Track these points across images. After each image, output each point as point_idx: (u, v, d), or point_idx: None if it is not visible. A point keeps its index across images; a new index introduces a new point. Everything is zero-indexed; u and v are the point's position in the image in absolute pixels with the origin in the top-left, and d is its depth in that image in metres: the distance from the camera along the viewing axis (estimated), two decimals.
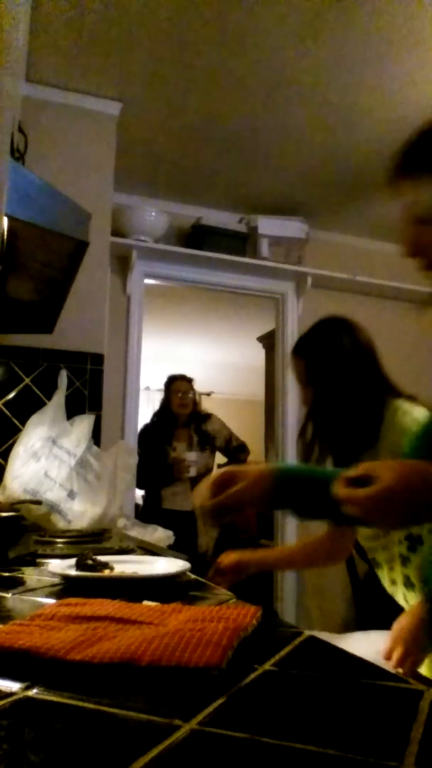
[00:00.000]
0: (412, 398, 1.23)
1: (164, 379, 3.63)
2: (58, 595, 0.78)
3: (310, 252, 3.25)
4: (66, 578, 0.85)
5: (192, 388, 3.54)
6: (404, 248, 0.81)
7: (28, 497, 1.63)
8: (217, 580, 0.92)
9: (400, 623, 1.01)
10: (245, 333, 4.92)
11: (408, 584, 1.13)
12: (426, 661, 0.91)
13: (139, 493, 3.32)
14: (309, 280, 3.22)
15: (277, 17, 2.03)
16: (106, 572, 0.85)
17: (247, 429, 4.09)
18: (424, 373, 3.02)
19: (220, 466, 3.72)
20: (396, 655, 0.98)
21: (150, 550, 1.24)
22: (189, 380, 3.55)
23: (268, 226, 3.11)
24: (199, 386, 3.69)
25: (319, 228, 3.34)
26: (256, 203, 3.17)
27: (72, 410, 1.97)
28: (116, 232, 2.82)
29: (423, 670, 0.92)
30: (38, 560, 1.07)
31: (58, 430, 1.82)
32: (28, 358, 2.19)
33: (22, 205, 1.22)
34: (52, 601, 0.71)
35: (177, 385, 3.50)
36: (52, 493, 1.68)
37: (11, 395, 2.14)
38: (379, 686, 0.45)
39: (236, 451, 3.57)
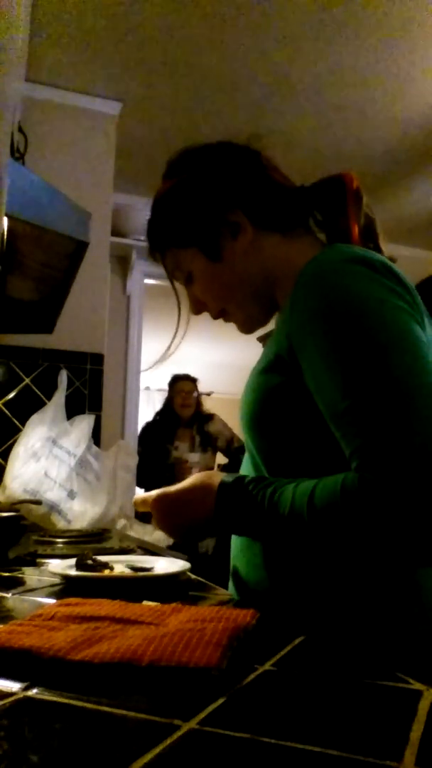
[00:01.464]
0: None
1: (166, 379, 3.63)
2: (58, 595, 0.78)
3: None
4: (66, 578, 0.85)
5: (196, 389, 3.55)
6: (190, 308, 0.93)
7: (28, 497, 1.63)
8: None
9: (181, 488, 0.82)
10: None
11: None
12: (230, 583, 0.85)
13: (139, 492, 3.32)
14: None
15: (278, 18, 2.03)
16: (106, 572, 0.85)
17: None
18: None
19: (221, 465, 3.72)
20: (142, 509, 0.85)
21: (150, 550, 1.24)
22: (193, 380, 3.56)
23: None
24: (199, 386, 3.69)
25: None
26: None
27: (72, 410, 1.97)
28: (116, 232, 2.83)
29: (230, 589, 0.85)
30: (38, 560, 1.07)
31: (58, 430, 1.82)
32: (28, 358, 2.19)
33: (22, 205, 1.22)
34: (52, 601, 0.71)
35: (180, 385, 3.50)
36: (52, 493, 1.68)
37: (11, 395, 2.14)
38: (379, 686, 0.45)
39: (237, 452, 3.57)
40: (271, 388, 0.76)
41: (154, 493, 0.84)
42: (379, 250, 0.84)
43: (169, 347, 0.93)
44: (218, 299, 0.89)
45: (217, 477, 0.77)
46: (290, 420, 0.74)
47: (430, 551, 0.60)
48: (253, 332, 0.93)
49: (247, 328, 0.92)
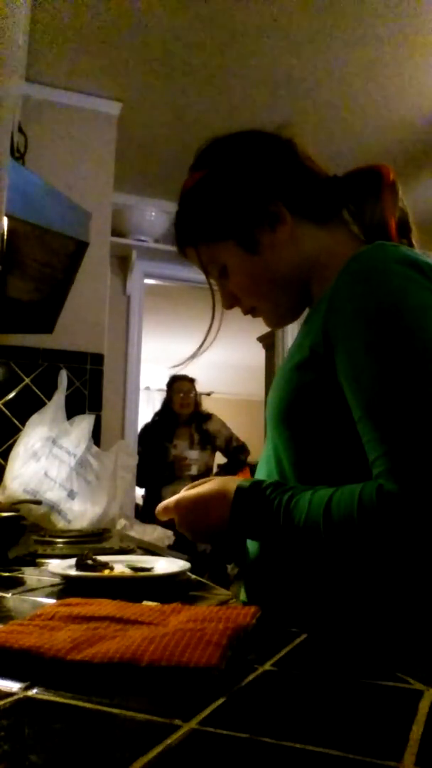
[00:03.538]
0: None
1: (165, 379, 3.65)
2: (58, 595, 0.78)
3: None
4: (66, 578, 0.85)
5: (194, 389, 3.59)
6: (223, 303, 0.89)
7: (28, 497, 1.63)
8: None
9: (197, 493, 0.79)
10: (245, 333, 4.93)
11: None
12: (242, 588, 0.84)
13: (139, 492, 3.33)
14: None
15: (278, 18, 2.03)
16: (106, 572, 0.85)
17: (247, 429, 4.10)
18: None
19: (220, 465, 3.73)
20: (165, 517, 0.83)
21: (150, 550, 1.24)
22: (191, 380, 3.59)
23: None
24: (199, 386, 3.70)
25: None
26: None
27: (72, 410, 1.97)
28: (116, 232, 2.82)
29: (241, 595, 0.84)
30: (38, 560, 1.07)
31: (58, 430, 1.82)
32: (28, 358, 2.19)
33: (22, 205, 1.22)
34: (52, 601, 0.71)
35: (179, 385, 3.54)
36: (52, 493, 1.68)
37: (11, 395, 2.14)
38: (379, 686, 0.45)
39: (236, 451, 3.59)
40: (303, 386, 0.73)
41: (173, 498, 0.82)
42: (411, 245, 0.82)
43: (202, 343, 0.91)
44: (253, 293, 0.86)
45: (234, 482, 0.75)
46: (322, 420, 0.72)
47: None
48: (282, 327, 0.92)
49: (276, 322, 0.90)
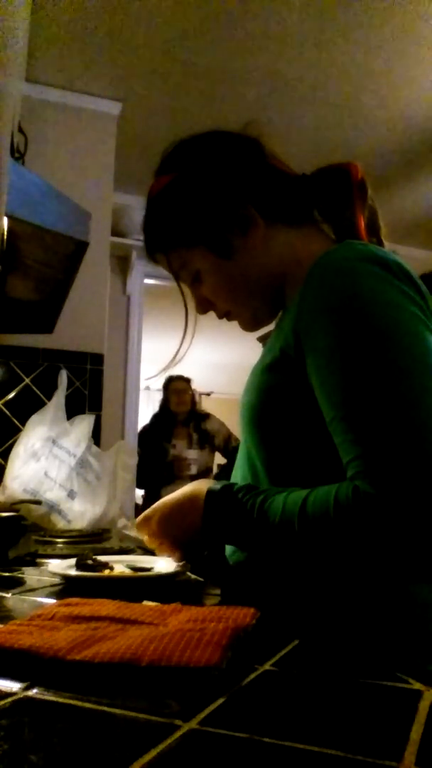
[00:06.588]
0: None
1: (163, 380, 3.65)
2: (58, 595, 0.78)
3: None
4: (66, 578, 0.85)
5: (190, 388, 3.59)
6: (196, 308, 0.89)
7: (28, 497, 1.63)
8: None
9: (171, 500, 0.80)
10: (245, 333, 4.93)
11: None
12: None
13: (139, 493, 3.33)
14: None
15: (278, 17, 2.03)
16: (106, 572, 0.85)
17: None
18: None
19: (219, 465, 3.73)
20: (145, 532, 0.85)
21: (150, 550, 1.24)
22: (187, 380, 3.59)
23: None
24: (199, 386, 3.70)
25: None
26: None
27: (72, 410, 1.97)
28: (116, 232, 2.82)
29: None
30: (38, 560, 1.07)
31: (58, 430, 1.82)
32: (28, 358, 2.19)
33: (22, 205, 1.22)
34: (52, 601, 0.71)
35: (175, 385, 3.55)
36: (52, 493, 1.68)
37: (11, 395, 2.14)
38: (379, 686, 0.45)
39: (235, 451, 3.57)
40: (273, 387, 0.73)
41: (151, 508, 0.82)
42: (381, 243, 0.82)
43: (176, 353, 0.91)
44: (228, 298, 0.85)
45: (206, 485, 0.75)
46: (293, 421, 0.71)
47: (424, 567, 0.60)
48: (258, 330, 0.90)
49: (252, 326, 0.89)
